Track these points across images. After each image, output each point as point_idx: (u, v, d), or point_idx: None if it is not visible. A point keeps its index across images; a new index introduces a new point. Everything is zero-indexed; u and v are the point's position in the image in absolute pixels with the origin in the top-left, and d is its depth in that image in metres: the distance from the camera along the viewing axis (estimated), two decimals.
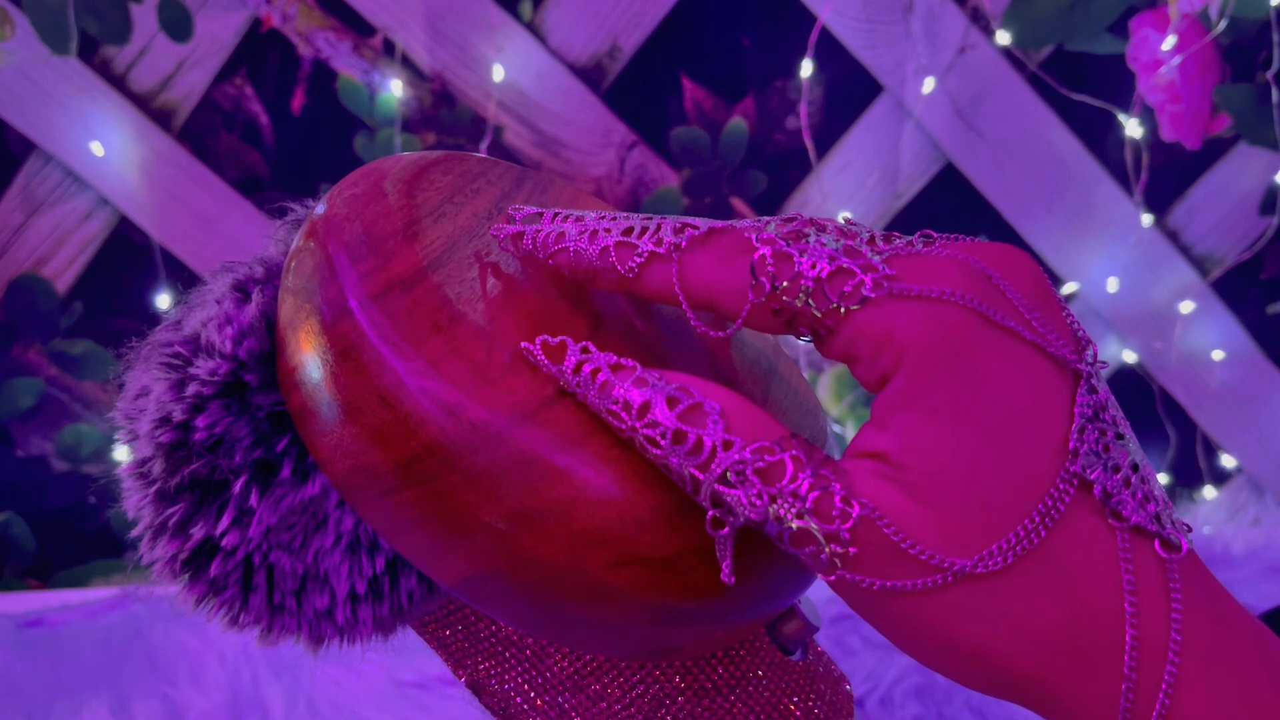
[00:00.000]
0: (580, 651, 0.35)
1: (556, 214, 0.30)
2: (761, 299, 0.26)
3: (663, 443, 0.26)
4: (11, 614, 0.90)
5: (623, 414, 0.26)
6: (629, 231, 0.28)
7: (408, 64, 0.96)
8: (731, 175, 1.03)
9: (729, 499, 0.25)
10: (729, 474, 0.25)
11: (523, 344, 0.28)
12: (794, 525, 0.25)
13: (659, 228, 0.28)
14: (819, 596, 0.40)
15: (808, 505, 0.24)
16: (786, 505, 0.25)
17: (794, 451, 0.25)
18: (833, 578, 0.25)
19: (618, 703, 0.35)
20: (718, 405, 0.26)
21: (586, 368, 0.27)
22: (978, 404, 0.24)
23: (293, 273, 0.29)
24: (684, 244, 0.27)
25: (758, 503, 0.25)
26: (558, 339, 0.28)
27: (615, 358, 0.27)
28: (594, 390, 0.27)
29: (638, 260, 0.28)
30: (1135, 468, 0.25)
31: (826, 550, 0.24)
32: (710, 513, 0.26)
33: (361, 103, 0.97)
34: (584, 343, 0.28)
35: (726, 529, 0.26)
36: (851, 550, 0.24)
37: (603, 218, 0.29)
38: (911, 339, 0.25)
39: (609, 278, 0.29)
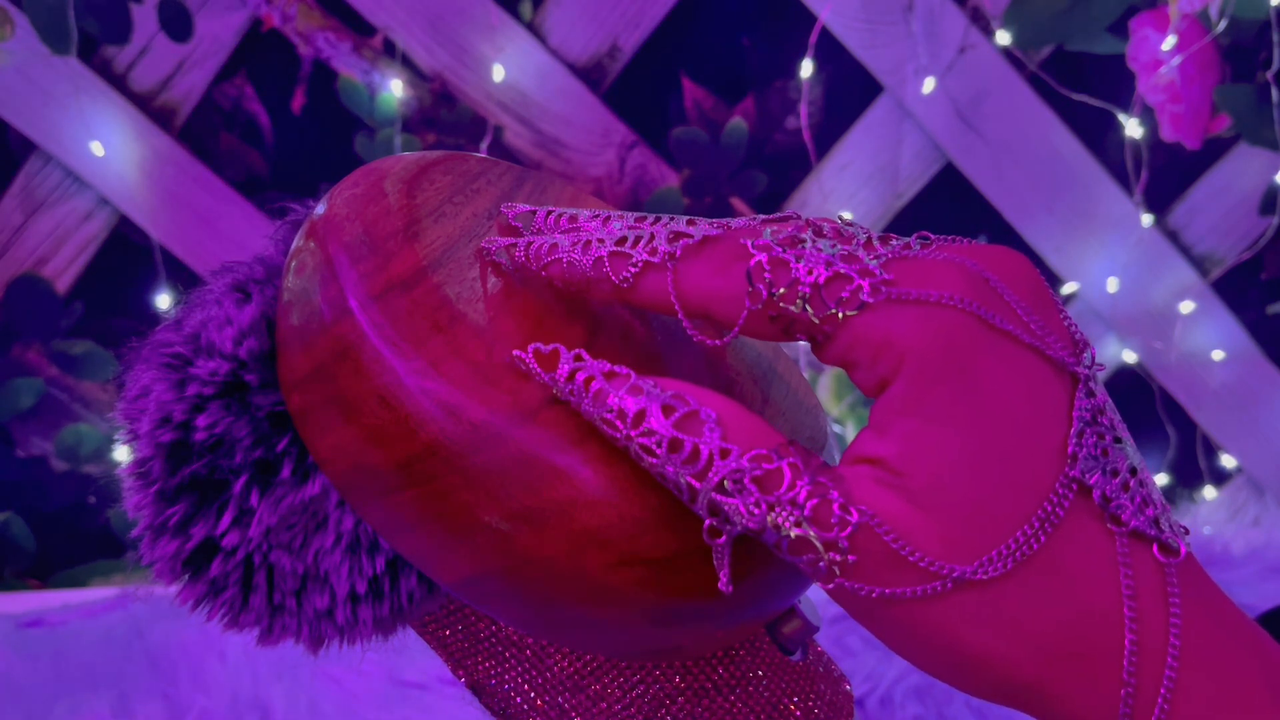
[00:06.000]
0: (580, 651, 0.35)
1: (550, 211, 0.30)
2: (758, 306, 0.26)
3: (659, 451, 0.25)
4: (11, 614, 0.90)
5: (617, 422, 0.26)
6: (623, 241, 0.28)
7: (408, 64, 0.96)
8: (731, 175, 1.03)
9: (726, 508, 0.25)
10: (726, 482, 0.25)
11: (514, 352, 0.27)
12: (792, 533, 0.24)
13: (653, 236, 0.28)
14: (819, 596, 0.40)
15: (806, 513, 0.24)
16: (785, 513, 0.24)
17: (791, 459, 0.25)
18: (831, 585, 0.25)
19: (618, 703, 0.35)
20: (714, 413, 0.26)
21: (580, 375, 0.27)
22: (977, 409, 0.24)
23: (293, 273, 0.29)
24: (679, 252, 0.27)
25: (755, 511, 0.24)
26: (550, 346, 0.27)
27: (609, 365, 0.27)
28: (588, 399, 0.26)
29: (632, 270, 0.27)
30: (1134, 471, 0.25)
31: (825, 558, 0.24)
32: (707, 521, 0.25)
33: (361, 103, 0.97)
34: (577, 350, 0.27)
35: (723, 538, 0.25)
36: (850, 558, 0.24)
37: (595, 216, 0.29)
38: (910, 344, 0.24)
39: (603, 288, 0.28)
